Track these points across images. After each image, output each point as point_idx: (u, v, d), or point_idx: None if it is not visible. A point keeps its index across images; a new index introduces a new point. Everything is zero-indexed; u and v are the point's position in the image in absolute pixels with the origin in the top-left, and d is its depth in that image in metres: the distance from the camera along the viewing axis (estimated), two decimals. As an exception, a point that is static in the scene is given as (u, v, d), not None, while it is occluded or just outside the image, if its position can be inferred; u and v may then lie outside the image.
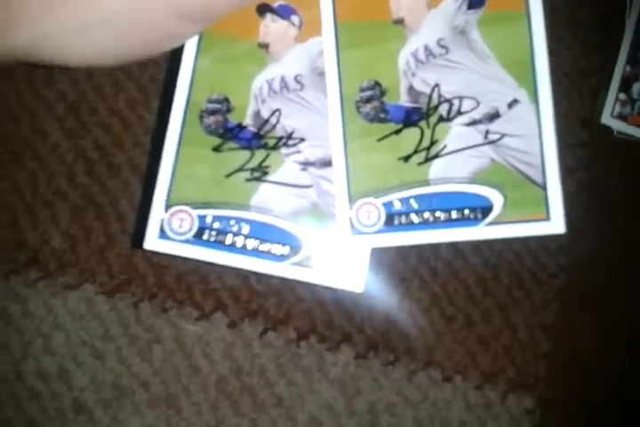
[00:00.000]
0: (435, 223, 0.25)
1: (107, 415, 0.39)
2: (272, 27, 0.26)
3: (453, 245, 0.45)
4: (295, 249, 0.27)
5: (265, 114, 0.26)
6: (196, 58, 0.26)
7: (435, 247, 0.45)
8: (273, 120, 0.26)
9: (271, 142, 0.26)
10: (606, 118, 0.50)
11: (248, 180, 0.26)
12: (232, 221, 0.26)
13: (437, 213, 0.25)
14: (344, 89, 0.25)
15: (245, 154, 0.26)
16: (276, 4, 0.27)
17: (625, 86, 0.50)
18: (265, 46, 0.27)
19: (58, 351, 0.40)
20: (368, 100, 0.26)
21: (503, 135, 0.26)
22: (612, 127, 0.50)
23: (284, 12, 0.26)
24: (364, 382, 0.42)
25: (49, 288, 0.40)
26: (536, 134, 0.26)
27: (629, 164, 0.49)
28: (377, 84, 0.26)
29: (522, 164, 0.26)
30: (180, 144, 0.26)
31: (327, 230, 0.26)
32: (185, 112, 0.26)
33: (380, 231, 0.26)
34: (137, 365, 0.40)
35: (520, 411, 0.44)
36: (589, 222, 0.48)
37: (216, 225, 0.26)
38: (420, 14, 0.26)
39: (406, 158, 0.25)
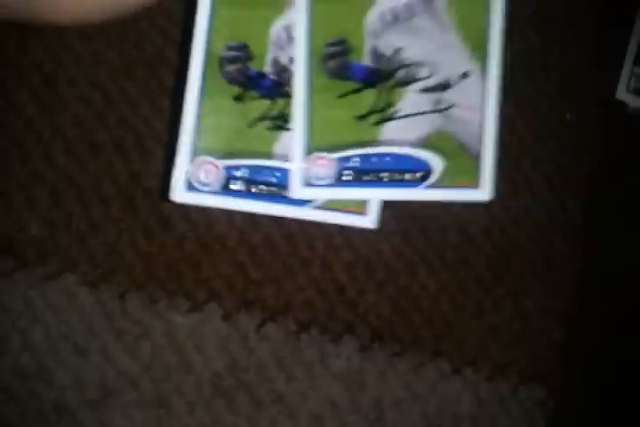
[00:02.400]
0: (379, 182, 0.27)
1: (92, 417, 0.36)
2: None
3: (463, 230, 0.42)
4: None
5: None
6: (213, 4, 0.26)
7: (443, 232, 0.42)
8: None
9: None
10: (621, 94, 0.47)
11: (269, 129, 0.26)
12: (260, 170, 0.27)
13: (384, 174, 0.27)
14: (312, 42, 0.26)
15: (266, 103, 0.26)
16: None
17: (640, 60, 0.48)
18: None
19: (37, 348, 0.36)
20: (333, 56, 0.26)
21: (452, 105, 0.27)
22: (628, 103, 0.47)
23: None
24: (368, 376, 0.39)
25: (26, 279, 0.37)
26: (480, 107, 0.27)
27: (646, 141, 0.47)
28: (343, 41, 0.26)
29: (464, 133, 0.27)
30: (201, 94, 0.26)
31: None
32: (205, 60, 0.26)
33: (329, 185, 0.27)
34: (124, 362, 0.37)
35: (533, 403, 0.42)
36: (605, 202, 0.45)
37: (244, 175, 0.27)
38: None
39: (362, 117, 0.27)
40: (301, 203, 0.27)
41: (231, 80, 0.26)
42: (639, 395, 0.43)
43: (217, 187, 0.26)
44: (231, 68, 0.26)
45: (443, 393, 0.40)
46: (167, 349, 0.37)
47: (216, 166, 0.27)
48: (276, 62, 0.26)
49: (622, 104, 0.47)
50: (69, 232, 0.38)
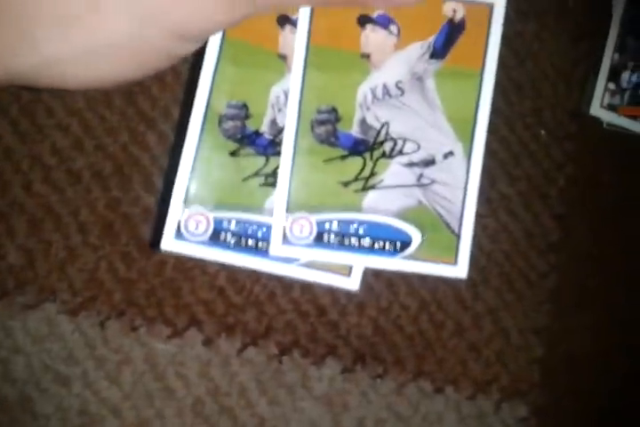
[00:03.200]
0: (358, 248, 0.28)
1: (74, 447, 0.36)
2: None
3: (441, 248, 0.43)
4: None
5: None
6: (218, 63, 0.27)
7: (421, 251, 0.42)
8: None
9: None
10: (595, 109, 0.48)
11: (261, 185, 0.27)
12: (249, 224, 0.28)
13: (363, 240, 0.28)
14: (303, 107, 0.27)
15: (261, 160, 0.27)
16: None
17: (614, 75, 0.48)
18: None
19: (18, 377, 0.36)
20: (322, 123, 0.28)
21: (433, 181, 0.28)
22: (602, 119, 0.48)
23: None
24: (351, 398, 0.40)
25: (6, 309, 0.37)
26: (462, 187, 0.28)
27: (620, 156, 0.47)
28: (334, 109, 0.28)
29: (444, 210, 0.28)
30: (198, 147, 0.27)
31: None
32: (205, 116, 0.27)
33: (308, 246, 0.27)
34: (105, 389, 0.37)
35: (515, 420, 0.42)
36: (580, 218, 0.46)
37: (233, 227, 0.28)
38: (385, 54, 0.28)
39: (346, 184, 0.28)
40: (287, 260, 0.28)
41: (229, 136, 0.27)
42: (621, 409, 0.44)
43: (206, 237, 0.27)
44: (230, 124, 0.27)
45: (425, 413, 0.40)
46: (148, 375, 0.37)
47: (206, 217, 0.27)
48: (273, 123, 0.28)
49: (596, 120, 0.48)
50: (48, 260, 0.38)
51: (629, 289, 0.45)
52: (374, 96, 0.28)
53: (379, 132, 0.28)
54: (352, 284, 0.28)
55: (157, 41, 0.23)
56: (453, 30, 0.28)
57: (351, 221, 0.28)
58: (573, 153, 0.46)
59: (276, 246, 0.27)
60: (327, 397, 0.39)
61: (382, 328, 0.41)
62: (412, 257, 0.28)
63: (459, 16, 0.28)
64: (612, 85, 0.48)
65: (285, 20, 0.28)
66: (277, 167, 0.28)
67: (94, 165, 0.40)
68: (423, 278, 0.42)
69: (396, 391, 0.40)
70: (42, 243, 0.38)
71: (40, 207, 0.39)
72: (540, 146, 0.46)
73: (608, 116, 0.48)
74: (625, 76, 0.49)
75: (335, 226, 0.28)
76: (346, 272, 0.28)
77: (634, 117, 0.48)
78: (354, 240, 0.28)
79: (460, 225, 0.28)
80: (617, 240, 0.45)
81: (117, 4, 0.22)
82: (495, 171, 0.44)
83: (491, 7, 0.29)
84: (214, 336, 0.39)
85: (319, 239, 0.28)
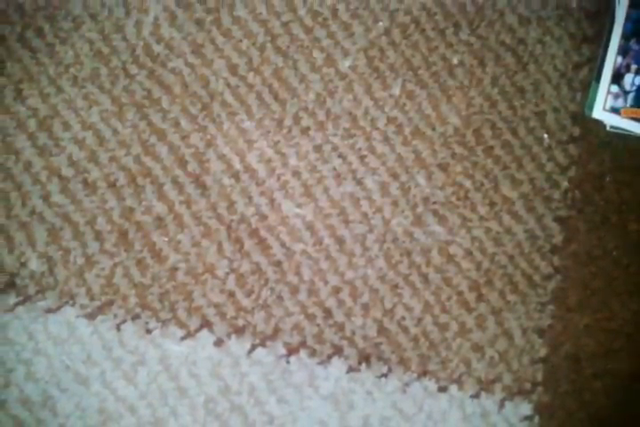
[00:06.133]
0: None
1: (93, 443, 0.38)
2: None
3: (444, 251, 0.44)
4: None
5: None
6: None
7: (425, 254, 0.43)
8: None
9: None
10: (598, 112, 0.48)
11: None
12: None
13: None
14: None
15: None
16: None
17: (617, 78, 0.49)
18: None
19: (40, 378, 0.39)
20: None
21: None
22: (605, 122, 0.48)
23: None
24: (357, 397, 0.41)
25: (28, 313, 0.39)
26: None
27: (623, 159, 0.48)
28: None
29: None
30: None
31: None
32: None
33: None
34: (122, 388, 0.39)
35: (518, 418, 0.43)
36: (583, 221, 0.46)
37: None
38: None
39: None
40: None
41: None
42: (623, 408, 0.44)
43: None
44: None
45: (429, 411, 0.42)
46: (162, 375, 0.39)
47: None
48: None
49: (599, 123, 0.48)
50: (67, 267, 0.40)
51: (631, 290, 0.45)
52: None
53: None
54: None
55: None
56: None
57: None
58: (576, 156, 0.47)
59: None
60: (333, 396, 0.41)
61: (387, 329, 0.42)
62: None
63: None
64: (614, 88, 0.49)
65: None
66: None
67: (109, 175, 0.42)
68: (426, 281, 0.43)
69: (400, 390, 0.41)
70: (61, 250, 0.40)
71: (58, 217, 0.41)
72: (543, 149, 0.47)
73: (611, 119, 0.48)
74: (628, 78, 0.49)
75: None
76: None
77: (637, 120, 0.48)
78: None
79: None
80: (619, 242, 0.46)
81: None
82: (499, 174, 0.45)
83: None
84: (225, 338, 0.40)
85: None
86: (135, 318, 0.40)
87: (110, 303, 0.40)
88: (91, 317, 0.39)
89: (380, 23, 0.45)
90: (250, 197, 0.42)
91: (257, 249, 0.42)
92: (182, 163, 0.42)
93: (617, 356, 0.44)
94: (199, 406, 0.39)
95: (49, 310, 0.39)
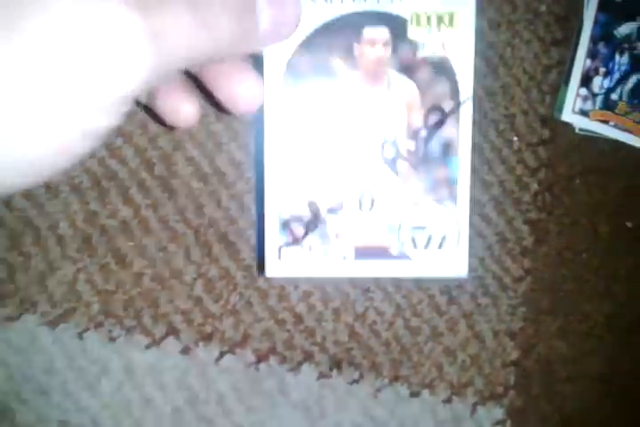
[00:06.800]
0: None
1: (54, 456, 0.37)
2: None
3: (415, 255, 0.43)
4: None
5: None
6: None
7: (396, 257, 0.43)
8: None
9: None
10: (567, 115, 0.49)
11: None
12: None
13: None
14: None
15: None
16: None
17: (586, 81, 0.49)
18: None
19: (0, 389, 0.37)
20: None
21: None
22: (574, 124, 0.48)
23: None
24: (328, 403, 0.40)
25: (-14, 322, 0.38)
26: None
27: (593, 161, 0.48)
28: None
29: None
30: None
31: None
32: None
33: None
34: (85, 399, 0.37)
35: (491, 423, 0.43)
36: (553, 223, 0.46)
37: None
38: None
39: None
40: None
41: None
42: (596, 411, 0.44)
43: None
44: None
45: (402, 417, 0.41)
46: (127, 385, 0.38)
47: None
48: None
49: (568, 125, 0.49)
50: (27, 273, 0.39)
51: (602, 292, 0.46)
52: None
53: None
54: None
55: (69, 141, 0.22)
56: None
57: None
58: (546, 158, 0.47)
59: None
60: (304, 403, 0.40)
61: (358, 334, 0.42)
62: None
63: None
64: (583, 91, 0.49)
65: None
66: None
67: (72, 178, 0.40)
68: (397, 284, 0.43)
69: (372, 396, 0.41)
70: (22, 256, 0.39)
71: (19, 221, 0.39)
72: (512, 152, 0.47)
73: (580, 122, 0.49)
74: (597, 81, 0.49)
75: None
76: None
77: (605, 122, 0.49)
78: None
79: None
80: (590, 244, 0.46)
81: None
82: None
83: None
84: (192, 345, 0.39)
85: None
86: (98, 325, 0.39)
87: (72, 311, 0.38)
88: (52, 325, 0.38)
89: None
90: (219, 201, 0.41)
91: (226, 253, 0.41)
92: (149, 165, 0.41)
93: (589, 359, 0.44)
94: (166, 416, 0.38)
95: (9, 319, 0.38)
